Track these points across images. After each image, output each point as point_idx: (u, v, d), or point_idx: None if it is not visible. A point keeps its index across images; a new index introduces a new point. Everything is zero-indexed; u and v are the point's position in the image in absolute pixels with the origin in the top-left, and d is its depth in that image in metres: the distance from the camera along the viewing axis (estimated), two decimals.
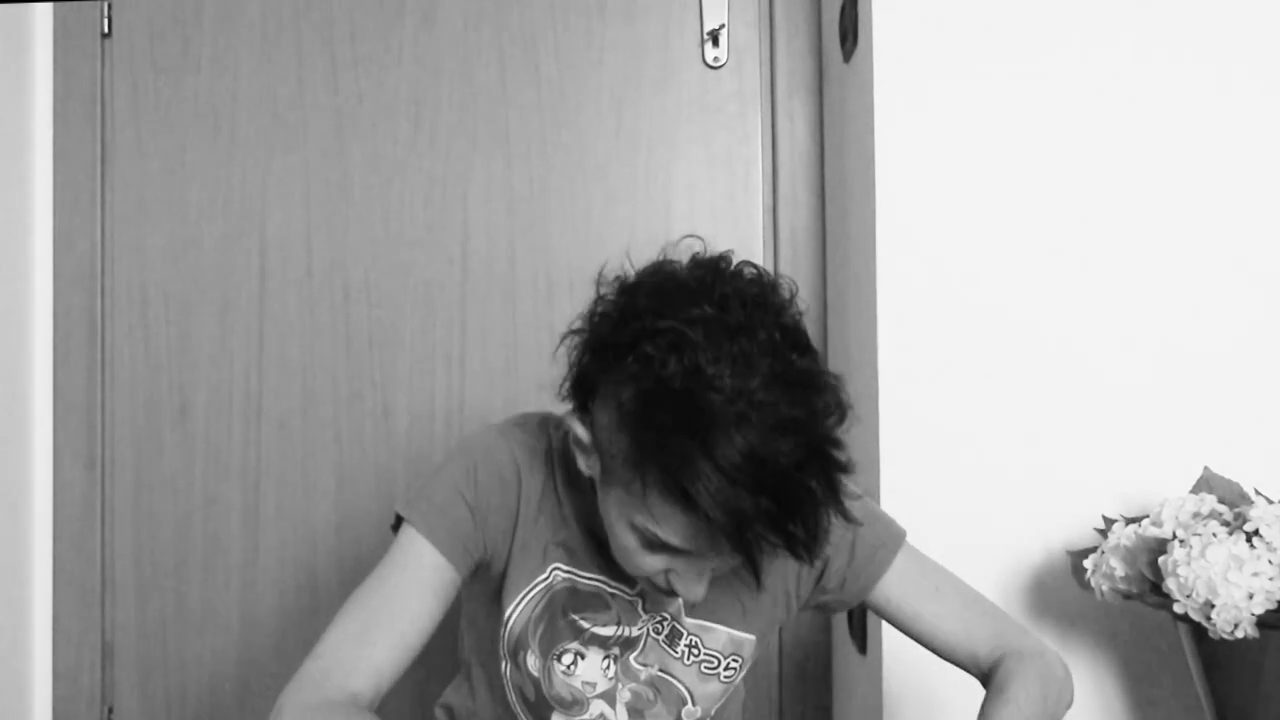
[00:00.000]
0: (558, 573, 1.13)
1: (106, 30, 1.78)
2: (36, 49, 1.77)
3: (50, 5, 1.78)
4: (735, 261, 1.00)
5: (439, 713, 1.29)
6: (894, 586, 1.16)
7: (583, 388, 1.02)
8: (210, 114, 1.78)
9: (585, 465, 1.04)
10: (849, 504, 1.00)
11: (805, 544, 0.93)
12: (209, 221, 1.78)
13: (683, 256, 1.02)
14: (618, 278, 1.02)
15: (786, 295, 0.99)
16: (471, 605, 1.21)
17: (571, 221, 1.76)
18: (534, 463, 1.12)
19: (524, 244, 1.76)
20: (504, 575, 1.13)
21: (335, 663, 1.03)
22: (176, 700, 1.78)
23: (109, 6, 1.78)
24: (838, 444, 0.94)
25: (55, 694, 1.77)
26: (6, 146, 1.71)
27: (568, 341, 1.03)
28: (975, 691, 1.43)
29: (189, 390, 1.78)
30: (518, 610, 1.13)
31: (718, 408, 0.90)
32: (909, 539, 1.19)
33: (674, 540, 0.97)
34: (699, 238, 1.02)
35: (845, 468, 0.95)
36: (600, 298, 1.02)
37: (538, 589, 1.13)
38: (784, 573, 1.16)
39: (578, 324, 1.03)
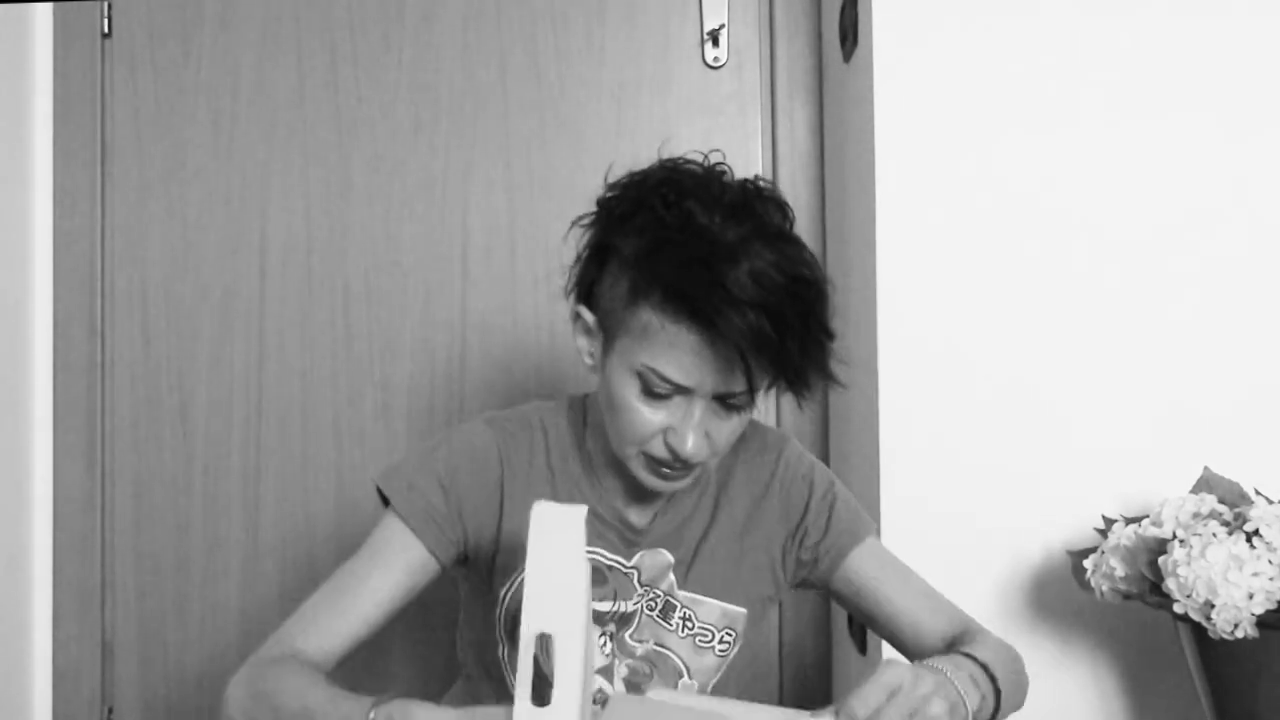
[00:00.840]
0: None
1: (106, 30, 1.78)
2: (36, 49, 1.77)
3: (50, 5, 1.78)
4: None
5: None
6: (863, 563, 1.20)
7: (591, 263, 1.10)
8: (210, 114, 1.78)
9: (588, 352, 1.11)
10: (836, 487, 1.12)
11: (798, 368, 1.02)
12: (209, 221, 1.78)
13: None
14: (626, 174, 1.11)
15: (781, 202, 1.09)
16: (468, 599, 1.23)
17: (571, 221, 1.76)
18: (521, 447, 1.16)
19: (524, 244, 1.76)
20: (494, 558, 1.15)
21: (291, 630, 1.10)
22: (176, 700, 1.78)
23: (109, 6, 1.78)
24: (822, 294, 1.04)
25: (55, 694, 1.76)
26: (6, 146, 1.71)
27: (574, 232, 1.12)
28: None
29: (189, 390, 1.77)
30: (512, 589, 1.14)
31: (722, 241, 1.00)
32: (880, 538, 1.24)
33: (674, 374, 1.03)
34: (720, 154, 1.13)
35: (827, 329, 1.04)
36: (609, 186, 1.10)
37: None
38: (767, 542, 1.20)
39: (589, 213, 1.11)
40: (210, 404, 1.77)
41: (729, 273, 0.99)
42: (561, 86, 1.77)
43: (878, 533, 1.24)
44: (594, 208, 1.11)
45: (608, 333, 1.08)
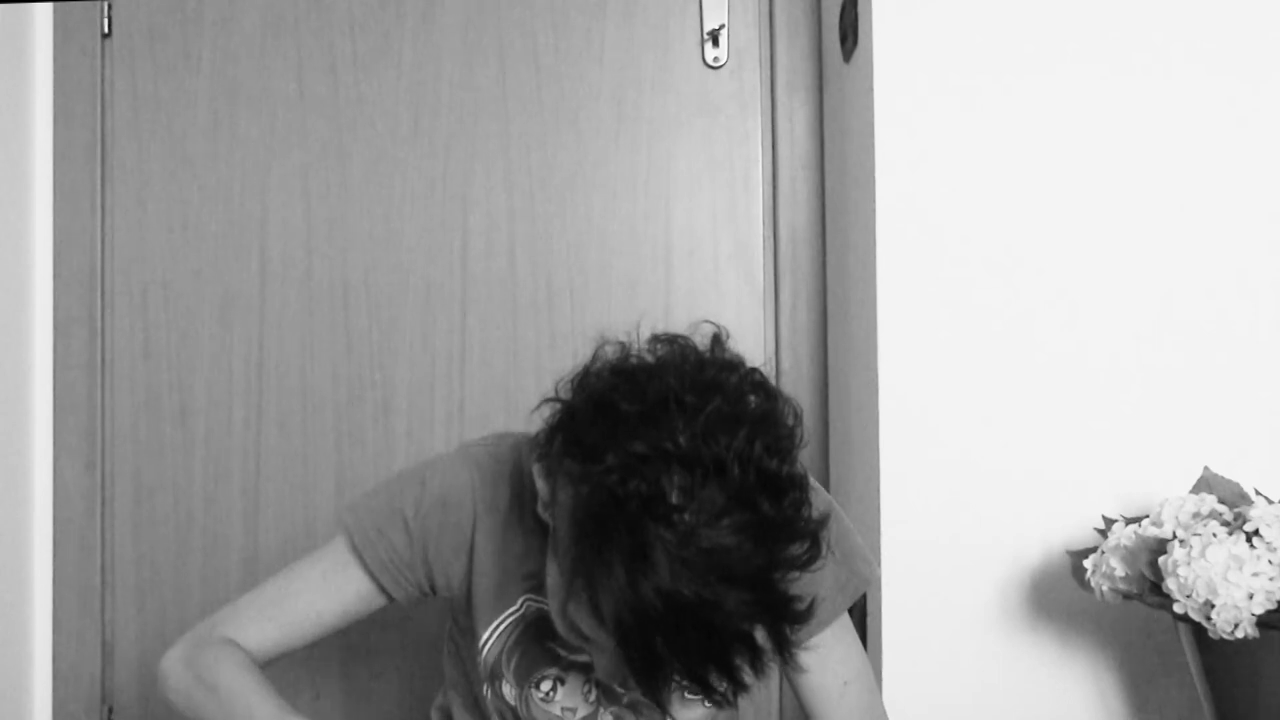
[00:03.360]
0: (530, 603, 1.10)
1: (106, 30, 1.78)
2: (36, 49, 1.77)
3: (50, 5, 1.77)
4: (741, 374, 0.94)
5: (435, 715, 1.29)
6: (815, 654, 1.09)
7: (551, 457, 0.97)
8: (210, 114, 1.78)
9: (545, 516, 1.00)
10: (825, 550, 0.96)
11: (727, 696, 0.90)
12: (209, 221, 1.78)
13: (703, 339, 0.96)
14: (618, 347, 0.97)
15: (784, 428, 0.92)
16: (451, 622, 1.20)
17: (572, 221, 1.76)
18: (498, 490, 1.09)
19: (524, 244, 1.76)
20: (469, 601, 1.12)
21: (230, 620, 1.10)
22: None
23: (109, 6, 1.78)
24: (790, 595, 0.89)
25: (55, 694, 1.76)
26: (6, 146, 1.70)
27: (548, 403, 0.98)
28: (975, 692, 1.43)
29: (189, 390, 1.77)
30: (491, 639, 1.12)
31: (661, 545, 0.84)
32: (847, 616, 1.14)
33: (592, 646, 0.95)
34: (714, 324, 0.98)
35: (794, 617, 0.90)
36: (590, 372, 0.96)
37: (510, 620, 1.11)
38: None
39: (565, 388, 0.97)
40: (210, 404, 1.77)
41: (653, 590, 0.84)
42: (561, 86, 1.76)
43: (870, 585, 1.15)
44: (563, 391, 0.97)
45: (552, 541, 0.97)
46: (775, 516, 0.87)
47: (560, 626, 0.98)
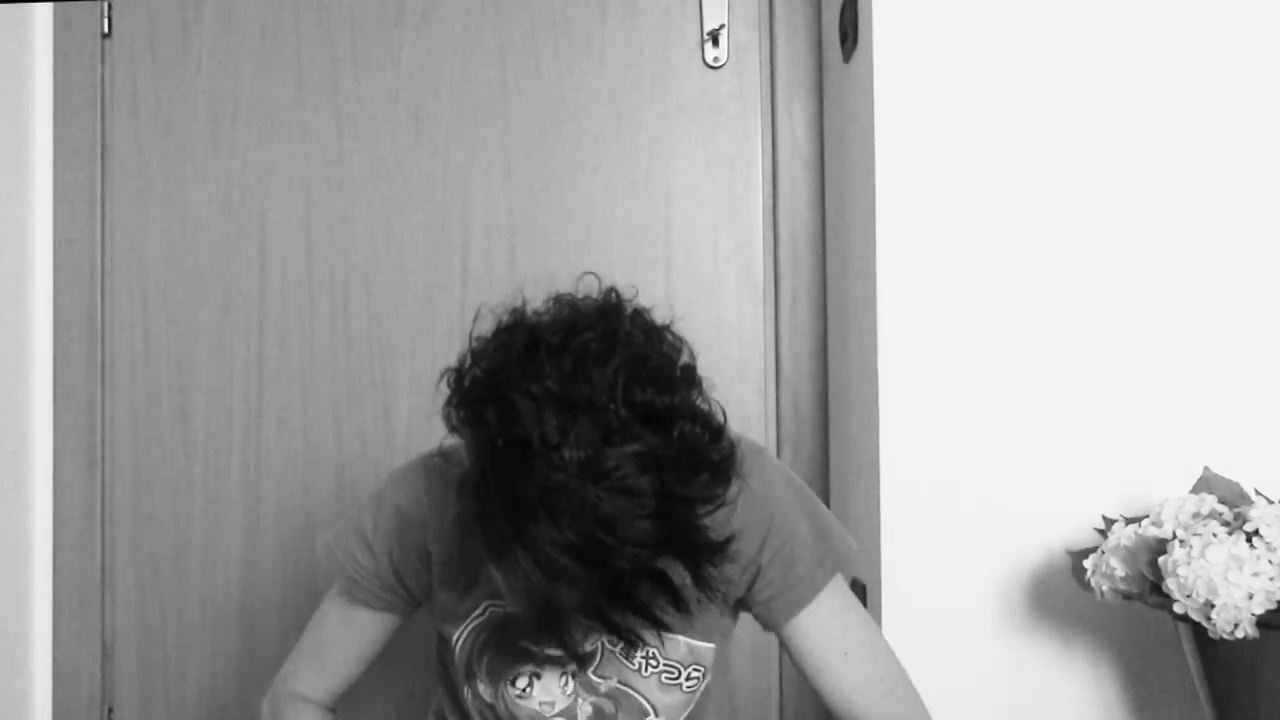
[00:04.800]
0: (492, 609, 1.11)
1: (106, 30, 1.78)
2: (36, 49, 1.77)
3: (50, 5, 1.78)
4: (616, 313, 0.94)
5: (432, 716, 1.29)
6: (808, 632, 1.10)
7: (455, 428, 0.97)
8: (210, 114, 1.78)
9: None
10: (802, 513, 1.01)
11: (635, 630, 0.90)
12: (209, 221, 1.78)
13: (592, 291, 0.97)
14: (504, 315, 0.97)
15: (664, 358, 0.92)
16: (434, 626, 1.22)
17: (571, 221, 1.76)
18: (449, 495, 1.06)
19: (524, 244, 1.76)
20: (436, 605, 1.15)
21: (290, 677, 1.22)
22: (176, 700, 1.78)
23: (109, 6, 1.78)
24: (696, 524, 0.89)
25: (55, 694, 1.77)
26: (6, 146, 1.71)
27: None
28: (975, 692, 1.43)
29: (189, 390, 1.77)
30: (460, 641, 1.14)
31: (537, 493, 0.85)
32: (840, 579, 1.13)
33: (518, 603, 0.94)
34: (595, 274, 0.98)
35: (710, 548, 0.90)
36: (471, 345, 0.96)
37: (474, 625, 1.13)
38: (725, 576, 1.10)
39: (455, 364, 0.97)
40: (210, 404, 1.77)
41: (541, 543, 0.85)
42: (561, 86, 1.76)
43: (850, 561, 1.13)
44: (460, 358, 0.97)
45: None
46: (660, 447, 0.87)
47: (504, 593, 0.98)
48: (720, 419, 0.94)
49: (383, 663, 1.75)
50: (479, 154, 1.76)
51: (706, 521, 0.91)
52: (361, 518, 1.15)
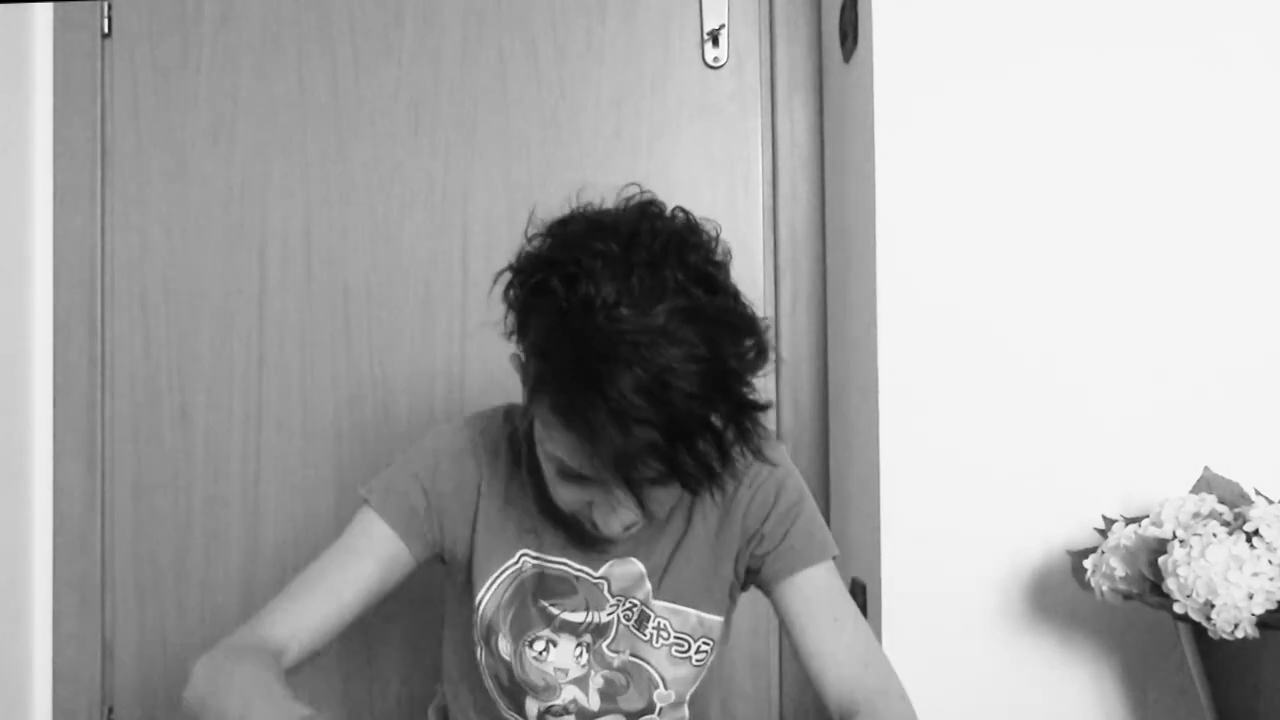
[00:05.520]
0: (526, 558, 1.15)
1: (106, 30, 1.78)
2: (36, 49, 1.77)
3: (50, 5, 1.77)
4: (667, 207, 1.02)
5: (432, 715, 1.29)
6: (800, 590, 1.15)
7: (516, 322, 1.04)
8: (210, 114, 1.78)
9: (519, 370, 1.07)
10: (778, 474, 1.10)
11: (697, 476, 0.95)
12: (209, 221, 1.78)
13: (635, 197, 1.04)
14: (549, 222, 1.04)
15: (705, 237, 1.01)
16: (449, 600, 1.23)
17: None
18: (498, 452, 1.16)
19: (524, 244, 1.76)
20: (470, 561, 1.16)
21: (263, 615, 1.12)
22: (176, 700, 1.78)
23: (109, 6, 1.78)
24: (742, 379, 0.95)
25: (55, 694, 1.76)
26: (6, 146, 1.71)
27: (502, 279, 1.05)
28: (975, 692, 1.43)
29: (189, 390, 1.77)
30: (488, 595, 1.15)
31: (610, 341, 0.92)
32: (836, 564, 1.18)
33: (579, 466, 0.99)
34: (638, 185, 1.05)
35: (753, 405, 0.96)
36: (529, 238, 1.04)
37: (507, 574, 1.15)
38: (732, 546, 1.17)
39: (510, 264, 1.05)
40: (210, 404, 1.77)
41: (613, 384, 0.91)
42: (561, 86, 1.76)
43: (835, 561, 1.18)
44: (515, 257, 1.04)
45: (529, 403, 1.04)
46: (710, 305, 0.96)
47: (548, 471, 1.04)
48: (753, 309, 1.02)
49: (382, 664, 1.75)
50: (479, 154, 1.76)
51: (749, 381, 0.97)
52: (415, 465, 1.16)
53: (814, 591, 1.15)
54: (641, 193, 1.03)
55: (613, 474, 0.96)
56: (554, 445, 1.01)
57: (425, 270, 1.76)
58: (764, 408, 0.98)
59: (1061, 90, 1.43)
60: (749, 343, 0.96)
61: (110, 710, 1.78)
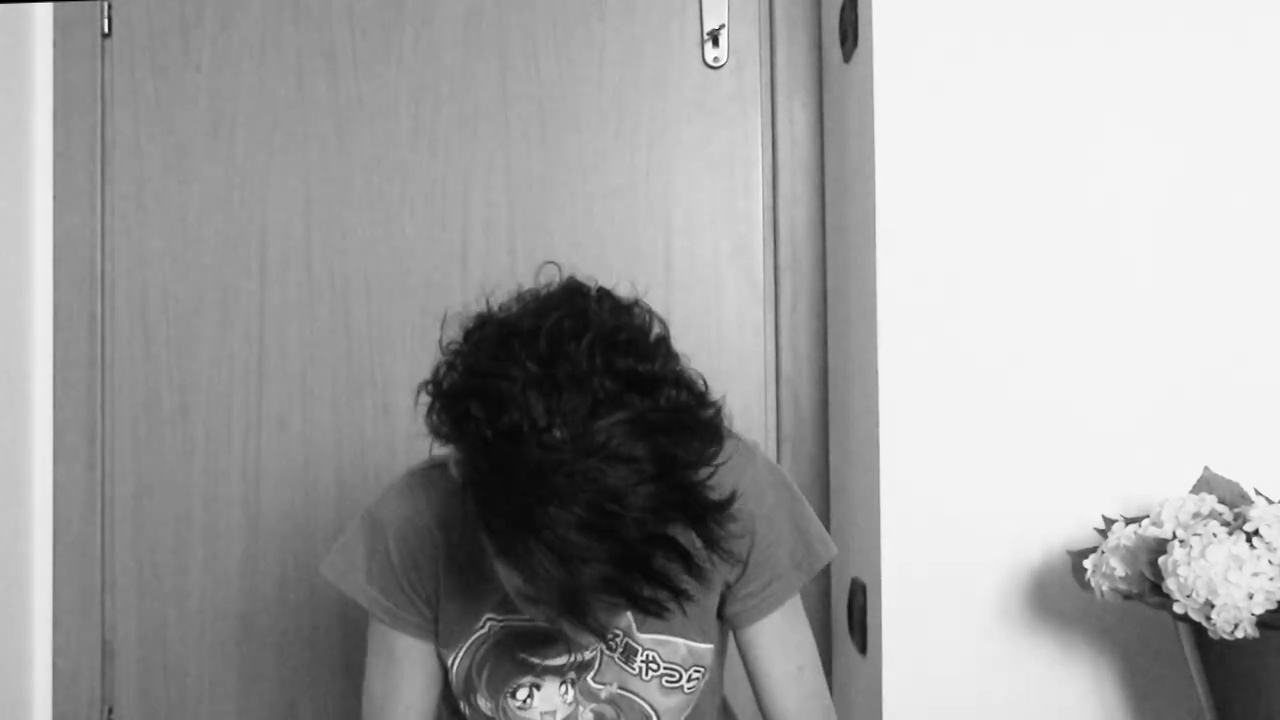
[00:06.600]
0: (491, 623, 1.11)
1: (106, 30, 1.78)
2: (36, 49, 1.77)
3: (50, 5, 1.77)
4: (582, 292, 0.93)
5: None
6: (763, 628, 1.13)
7: (441, 434, 0.96)
8: (210, 114, 1.78)
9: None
10: (776, 501, 1.04)
11: (657, 600, 0.88)
12: (209, 221, 1.78)
13: (554, 280, 0.96)
14: (469, 320, 0.97)
15: (636, 324, 0.91)
16: (437, 645, 1.21)
17: (572, 222, 1.76)
18: (450, 506, 1.09)
19: (524, 244, 1.76)
20: (437, 623, 1.13)
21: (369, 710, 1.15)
22: (176, 700, 1.78)
23: (109, 6, 1.78)
24: (698, 485, 0.88)
25: (55, 694, 1.76)
26: (6, 146, 1.71)
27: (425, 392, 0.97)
28: (975, 692, 1.43)
29: (189, 390, 1.77)
30: (458, 660, 1.13)
31: (542, 475, 0.84)
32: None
33: (534, 598, 0.93)
34: (556, 264, 0.97)
35: (715, 507, 0.89)
36: (445, 347, 0.96)
37: (475, 639, 1.12)
38: (721, 575, 1.11)
39: (429, 376, 0.98)
40: (210, 404, 1.77)
41: (551, 527, 0.84)
42: (561, 86, 1.76)
43: (824, 564, 1.15)
44: (438, 361, 0.97)
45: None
46: (650, 412, 0.86)
47: (508, 588, 0.97)
48: (701, 385, 0.93)
49: None
50: (479, 154, 1.76)
51: (707, 482, 0.90)
52: (382, 555, 1.11)
53: (777, 641, 1.14)
54: (560, 274, 0.95)
55: (561, 613, 0.90)
56: (502, 572, 0.94)
57: (425, 270, 1.76)
58: (727, 505, 0.90)
59: (1061, 90, 1.43)
60: (699, 442, 0.88)
61: (110, 710, 1.78)
